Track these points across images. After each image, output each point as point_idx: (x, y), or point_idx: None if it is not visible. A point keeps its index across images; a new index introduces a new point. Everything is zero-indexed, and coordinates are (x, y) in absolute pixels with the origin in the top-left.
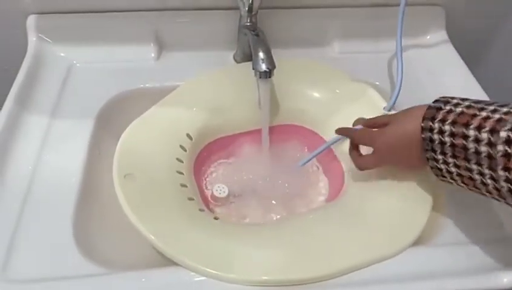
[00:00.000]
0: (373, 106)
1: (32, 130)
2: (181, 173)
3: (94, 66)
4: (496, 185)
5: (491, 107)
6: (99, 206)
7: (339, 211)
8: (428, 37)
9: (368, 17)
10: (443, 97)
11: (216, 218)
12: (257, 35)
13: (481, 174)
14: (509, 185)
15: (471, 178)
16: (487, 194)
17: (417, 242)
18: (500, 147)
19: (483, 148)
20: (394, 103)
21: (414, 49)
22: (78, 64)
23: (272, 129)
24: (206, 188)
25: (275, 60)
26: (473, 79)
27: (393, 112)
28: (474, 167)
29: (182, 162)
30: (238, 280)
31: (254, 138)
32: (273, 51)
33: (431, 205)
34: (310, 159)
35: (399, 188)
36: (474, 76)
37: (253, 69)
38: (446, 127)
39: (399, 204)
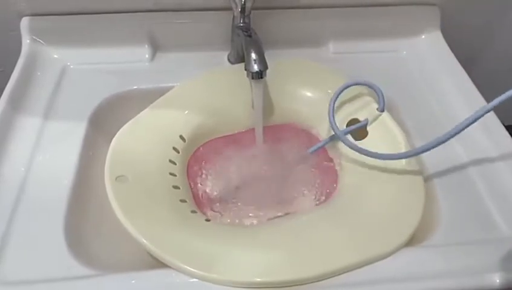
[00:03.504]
0: (367, 106)
1: (25, 131)
2: (174, 175)
3: (87, 67)
4: None
5: None
6: (91, 208)
7: (333, 212)
8: (423, 36)
9: (362, 17)
10: None
11: (208, 220)
12: (250, 36)
13: None
14: None
15: None
16: None
17: (411, 243)
18: None
19: None
20: (384, 104)
21: (409, 49)
22: (71, 66)
23: (266, 129)
24: (199, 189)
25: (267, 60)
26: (468, 79)
27: (386, 113)
28: None
29: (175, 164)
30: (230, 282)
31: (248, 139)
32: (267, 52)
33: (424, 206)
34: (321, 147)
35: (392, 189)
36: (469, 76)
37: (246, 70)
38: None
39: (392, 204)
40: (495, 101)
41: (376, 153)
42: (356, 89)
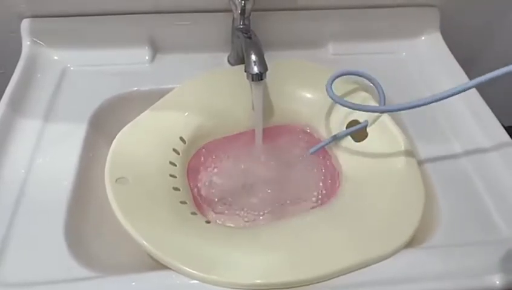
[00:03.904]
0: None
1: (25, 133)
2: (174, 177)
3: (87, 69)
4: None
5: None
6: (91, 210)
7: (333, 213)
8: (423, 38)
9: (362, 19)
10: None
11: (208, 221)
12: (249, 37)
13: None
14: None
15: None
16: None
17: (411, 244)
18: None
19: None
20: (384, 103)
21: (409, 50)
22: (72, 68)
23: (266, 130)
24: (199, 191)
25: (267, 62)
26: (467, 80)
27: (385, 114)
28: None
29: (175, 165)
30: (230, 284)
31: (248, 140)
32: (266, 53)
33: (424, 206)
34: (322, 147)
35: (392, 190)
36: (469, 77)
37: (246, 71)
38: None
39: (392, 205)
40: (483, 78)
41: (359, 104)
42: (356, 89)
